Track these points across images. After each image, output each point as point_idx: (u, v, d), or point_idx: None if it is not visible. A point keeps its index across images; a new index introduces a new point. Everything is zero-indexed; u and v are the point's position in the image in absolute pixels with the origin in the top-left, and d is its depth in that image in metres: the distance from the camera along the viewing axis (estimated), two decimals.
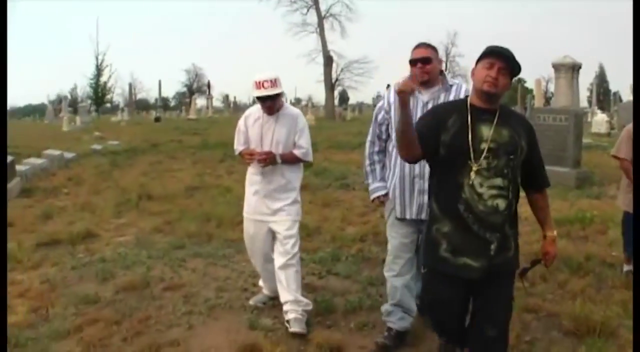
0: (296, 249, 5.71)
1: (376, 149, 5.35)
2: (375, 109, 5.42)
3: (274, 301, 5.97)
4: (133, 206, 11.25)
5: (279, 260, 5.66)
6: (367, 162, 5.40)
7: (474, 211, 3.79)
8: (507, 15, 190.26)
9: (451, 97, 5.05)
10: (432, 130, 3.89)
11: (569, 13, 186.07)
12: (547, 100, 58.32)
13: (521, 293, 5.24)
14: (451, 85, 5.14)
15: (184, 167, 17.28)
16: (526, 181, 4.09)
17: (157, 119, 48.45)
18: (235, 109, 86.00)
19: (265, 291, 6.13)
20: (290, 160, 5.73)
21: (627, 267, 6.97)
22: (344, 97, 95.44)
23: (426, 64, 4.92)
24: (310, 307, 5.64)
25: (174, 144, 24.10)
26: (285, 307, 5.54)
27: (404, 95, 3.62)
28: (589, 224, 9.63)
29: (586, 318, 5.49)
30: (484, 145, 3.81)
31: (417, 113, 4.84)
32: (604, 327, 5.37)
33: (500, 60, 3.80)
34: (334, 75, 59.89)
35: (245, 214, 5.98)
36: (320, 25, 58.14)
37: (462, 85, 5.20)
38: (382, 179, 5.31)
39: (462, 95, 4.93)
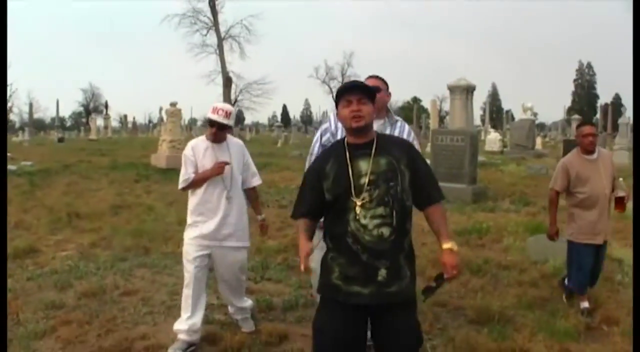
0: (245, 274, 6.30)
1: None
2: (320, 130, 5.70)
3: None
4: (65, 223, 11.84)
5: (228, 283, 6.06)
6: None
7: (361, 242, 3.91)
8: (402, 36, 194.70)
9: (395, 133, 5.42)
10: (315, 190, 4.10)
11: (463, 34, 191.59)
12: (442, 119, 60.39)
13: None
14: (396, 121, 5.54)
15: (102, 187, 17.78)
16: (416, 199, 4.15)
17: (61, 140, 48.21)
18: (134, 129, 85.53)
19: (183, 336, 5.78)
20: (257, 197, 6.38)
21: (584, 304, 6.93)
22: (239, 118, 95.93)
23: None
24: (252, 305, 6.41)
25: (84, 165, 24.44)
26: (231, 311, 6.30)
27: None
28: (485, 233, 10.88)
29: (487, 309, 6.58)
30: (364, 180, 3.94)
31: None
32: (502, 316, 6.45)
33: (354, 93, 4.03)
34: (232, 96, 60.12)
35: (189, 240, 5.95)
36: (220, 46, 58.25)
37: (405, 125, 5.61)
38: None
39: (405, 134, 5.41)
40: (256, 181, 6.22)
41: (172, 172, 20.19)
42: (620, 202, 6.94)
